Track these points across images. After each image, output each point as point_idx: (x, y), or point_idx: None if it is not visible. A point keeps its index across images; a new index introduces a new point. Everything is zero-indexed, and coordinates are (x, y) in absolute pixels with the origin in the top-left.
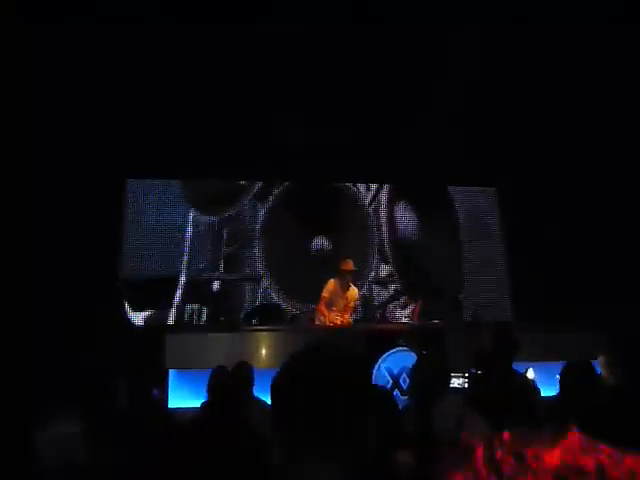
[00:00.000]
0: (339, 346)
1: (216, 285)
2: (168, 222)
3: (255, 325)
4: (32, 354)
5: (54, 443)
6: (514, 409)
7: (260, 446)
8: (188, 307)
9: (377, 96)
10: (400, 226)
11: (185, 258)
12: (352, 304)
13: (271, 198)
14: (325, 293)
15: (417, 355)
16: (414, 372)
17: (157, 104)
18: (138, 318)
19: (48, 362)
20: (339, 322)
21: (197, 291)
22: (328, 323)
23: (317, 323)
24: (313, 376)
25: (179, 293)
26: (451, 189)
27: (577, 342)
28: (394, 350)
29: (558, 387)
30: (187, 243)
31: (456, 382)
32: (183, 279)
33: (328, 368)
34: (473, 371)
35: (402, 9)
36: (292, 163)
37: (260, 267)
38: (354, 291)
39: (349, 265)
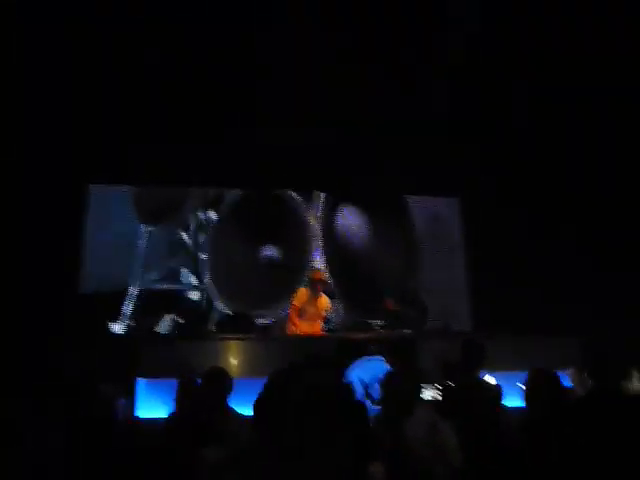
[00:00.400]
0: (323, 362)
1: (192, 295)
2: (127, 231)
3: (226, 334)
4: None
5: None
6: (480, 418)
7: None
8: (167, 318)
9: (338, 103)
10: (353, 234)
11: (138, 268)
12: (323, 313)
13: (221, 207)
14: (296, 302)
15: (389, 365)
16: (387, 383)
17: (124, 108)
18: (116, 328)
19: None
20: (310, 331)
21: (164, 301)
22: (299, 332)
23: (288, 332)
24: (299, 392)
25: (130, 304)
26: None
27: (544, 351)
28: (365, 359)
29: (523, 397)
30: (140, 253)
31: (427, 394)
32: (135, 290)
33: (314, 384)
34: (444, 382)
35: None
36: (246, 171)
37: (209, 276)
38: (325, 300)
39: (319, 274)
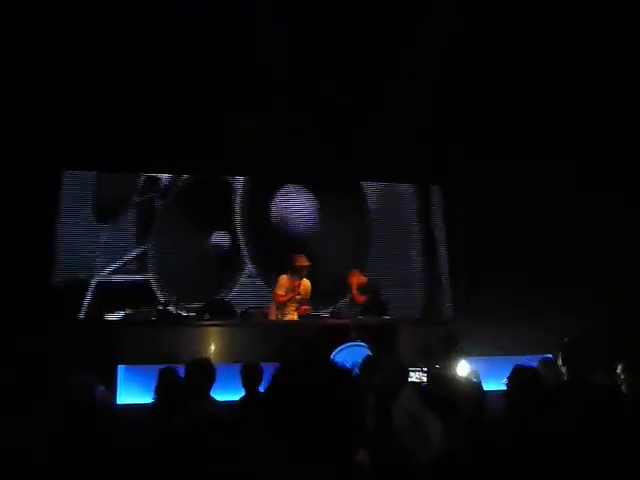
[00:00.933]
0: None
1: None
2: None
3: (206, 320)
4: None
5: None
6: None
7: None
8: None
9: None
10: (306, 220)
11: (99, 259)
12: (306, 296)
13: (171, 195)
14: (279, 290)
15: (371, 351)
16: (372, 369)
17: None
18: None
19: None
20: (293, 316)
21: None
22: (281, 318)
23: (271, 318)
24: (309, 383)
25: (90, 295)
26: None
27: (522, 337)
28: (347, 345)
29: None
30: (101, 243)
31: (414, 376)
32: (94, 281)
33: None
34: (428, 368)
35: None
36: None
37: (154, 265)
38: (307, 284)
39: (303, 261)
